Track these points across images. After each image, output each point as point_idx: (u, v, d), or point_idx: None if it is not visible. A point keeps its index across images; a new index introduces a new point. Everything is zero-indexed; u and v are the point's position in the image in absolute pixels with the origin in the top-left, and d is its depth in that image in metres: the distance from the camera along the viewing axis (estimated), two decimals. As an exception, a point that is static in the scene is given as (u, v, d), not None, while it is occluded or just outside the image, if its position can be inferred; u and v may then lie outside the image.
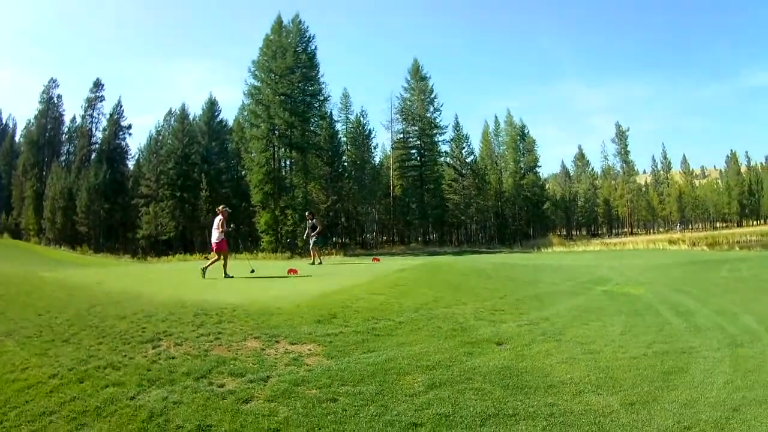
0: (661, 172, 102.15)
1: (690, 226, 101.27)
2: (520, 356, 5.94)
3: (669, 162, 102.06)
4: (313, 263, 18.03)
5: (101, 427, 3.82)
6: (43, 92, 69.05)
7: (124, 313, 7.43)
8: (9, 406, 4.14)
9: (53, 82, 70.23)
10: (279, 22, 49.89)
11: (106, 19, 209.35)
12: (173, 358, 5.35)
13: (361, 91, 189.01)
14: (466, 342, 6.47)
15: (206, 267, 13.08)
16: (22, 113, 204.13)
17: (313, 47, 50.65)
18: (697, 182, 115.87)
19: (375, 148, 69.73)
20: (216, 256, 13.35)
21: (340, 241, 62.09)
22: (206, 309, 7.53)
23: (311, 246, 19.79)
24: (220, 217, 13.48)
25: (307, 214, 20.94)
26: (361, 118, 65.61)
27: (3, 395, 4.33)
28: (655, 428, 4.10)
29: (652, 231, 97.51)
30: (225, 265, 13.29)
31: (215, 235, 13.40)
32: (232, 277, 12.76)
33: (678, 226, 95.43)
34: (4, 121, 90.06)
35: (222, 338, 6.07)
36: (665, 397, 4.71)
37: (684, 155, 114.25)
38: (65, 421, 3.88)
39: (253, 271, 14.02)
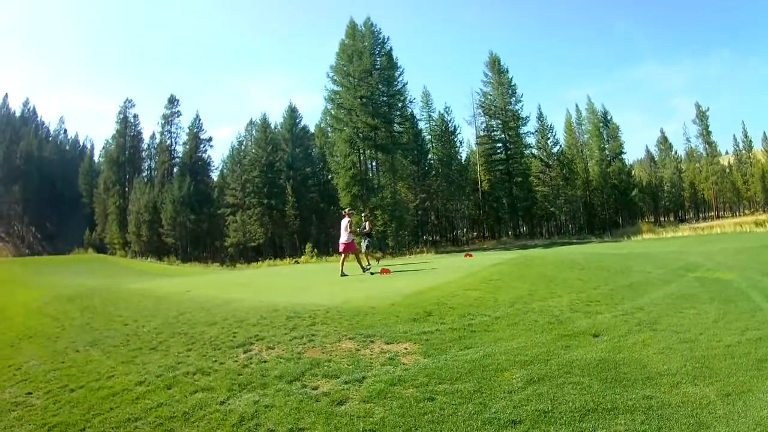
0: (743, 151, 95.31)
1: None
2: (617, 348, 5.91)
3: (750, 141, 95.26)
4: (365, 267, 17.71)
5: (189, 432, 3.86)
6: (119, 113, 75.51)
7: (213, 319, 7.68)
8: (93, 412, 4.29)
9: (128, 102, 76.60)
10: (352, 26, 51.26)
11: (177, 33, 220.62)
12: (265, 361, 5.44)
13: (441, 89, 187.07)
14: (563, 335, 6.43)
15: (342, 268, 14.28)
16: (98, 134, 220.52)
17: (389, 48, 51.36)
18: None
19: (461, 144, 69.40)
20: (344, 256, 14.61)
21: (430, 238, 62.53)
22: (299, 312, 7.67)
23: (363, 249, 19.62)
24: (347, 219, 14.69)
25: (363, 216, 20.74)
26: (445, 115, 65.93)
27: (87, 403, 4.51)
28: (751, 420, 4.00)
29: (737, 213, 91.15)
30: (360, 261, 15.05)
31: (345, 236, 14.61)
32: (372, 272, 14.40)
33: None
34: (81, 143, 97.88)
35: (315, 340, 6.12)
36: (759, 387, 4.63)
37: (765, 132, 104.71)
38: (151, 427, 3.96)
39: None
